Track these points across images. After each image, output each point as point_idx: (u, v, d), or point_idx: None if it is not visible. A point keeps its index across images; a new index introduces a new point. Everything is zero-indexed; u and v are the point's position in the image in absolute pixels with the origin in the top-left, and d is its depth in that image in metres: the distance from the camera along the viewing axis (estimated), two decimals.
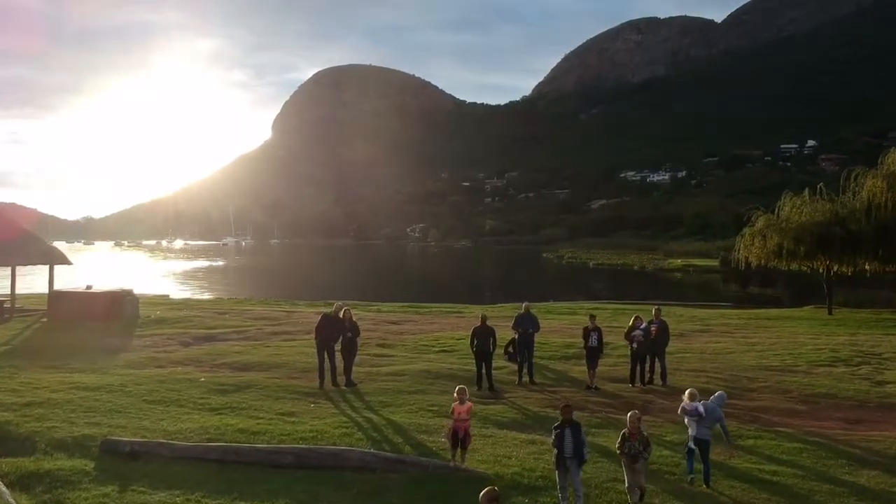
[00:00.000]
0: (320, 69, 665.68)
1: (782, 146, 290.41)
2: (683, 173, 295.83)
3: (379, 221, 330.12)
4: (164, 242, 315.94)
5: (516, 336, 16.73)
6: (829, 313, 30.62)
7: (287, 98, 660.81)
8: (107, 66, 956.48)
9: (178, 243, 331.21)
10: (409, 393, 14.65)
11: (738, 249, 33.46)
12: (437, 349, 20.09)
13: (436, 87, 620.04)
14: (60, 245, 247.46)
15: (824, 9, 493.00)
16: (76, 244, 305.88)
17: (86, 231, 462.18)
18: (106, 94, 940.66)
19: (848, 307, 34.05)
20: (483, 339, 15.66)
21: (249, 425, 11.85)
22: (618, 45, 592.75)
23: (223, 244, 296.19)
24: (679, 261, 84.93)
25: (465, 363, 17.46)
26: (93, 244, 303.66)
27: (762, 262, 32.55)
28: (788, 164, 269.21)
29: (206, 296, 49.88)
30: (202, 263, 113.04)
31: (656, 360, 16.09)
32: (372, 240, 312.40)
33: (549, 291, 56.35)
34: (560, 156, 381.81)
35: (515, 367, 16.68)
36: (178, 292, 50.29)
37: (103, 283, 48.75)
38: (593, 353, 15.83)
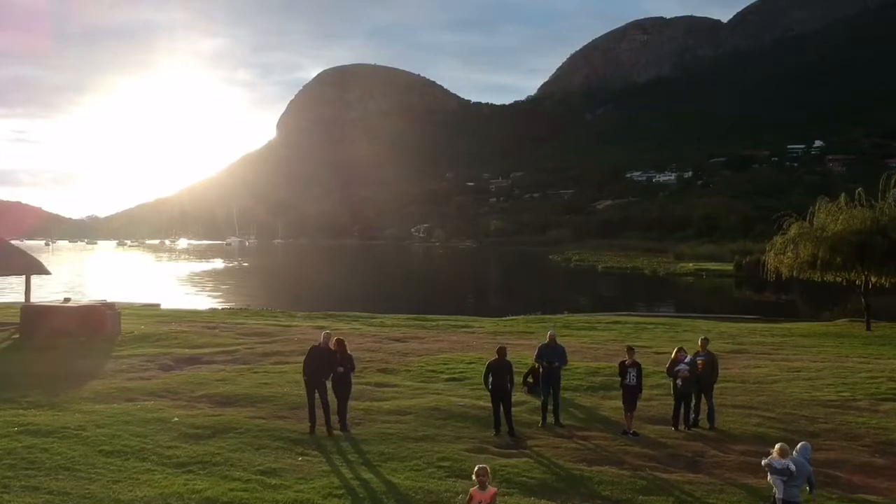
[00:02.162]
0: (325, 69, 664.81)
1: (789, 146, 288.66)
2: (690, 174, 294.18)
3: (383, 221, 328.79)
4: (167, 242, 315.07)
5: (540, 369, 14.45)
6: (868, 329, 28.38)
7: (292, 98, 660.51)
8: (112, 66, 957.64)
9: (182, 243, 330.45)
10: (415, 440, 12.42)
11: (768, 259, 31.12)
12: (446, 376, 17.89)
13: (441, 87, 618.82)
14: (63, 244, 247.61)
15: (831, 9, 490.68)
16: (79, 243, 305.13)
17: (90, 230, 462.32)
18: (111, 93, 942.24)
19: (880, 320, 31.81)
20: (500, 375, 13.30)
21: (220, 492, 9.64)
22: (623, 45, 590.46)
23: (227, 244, 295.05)
24: (691, 264, 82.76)
25: (478, 396, 15.30)
26: (96, 243, 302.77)
27: (794, 272, 30.22)
28: (795, 164, 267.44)
29: (202, 302, 47.83)
30: (203, 266, 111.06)
31: (702, 398, 13.80)
32: (376, 240, 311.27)
33: (560, 298, 54.19)
34: (565, 156, 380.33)
35: (537, 402, 14.51)
36: (173, 299, 48.28)
37: (91, 291, 46.73)
38: (631, 393, 13.37)
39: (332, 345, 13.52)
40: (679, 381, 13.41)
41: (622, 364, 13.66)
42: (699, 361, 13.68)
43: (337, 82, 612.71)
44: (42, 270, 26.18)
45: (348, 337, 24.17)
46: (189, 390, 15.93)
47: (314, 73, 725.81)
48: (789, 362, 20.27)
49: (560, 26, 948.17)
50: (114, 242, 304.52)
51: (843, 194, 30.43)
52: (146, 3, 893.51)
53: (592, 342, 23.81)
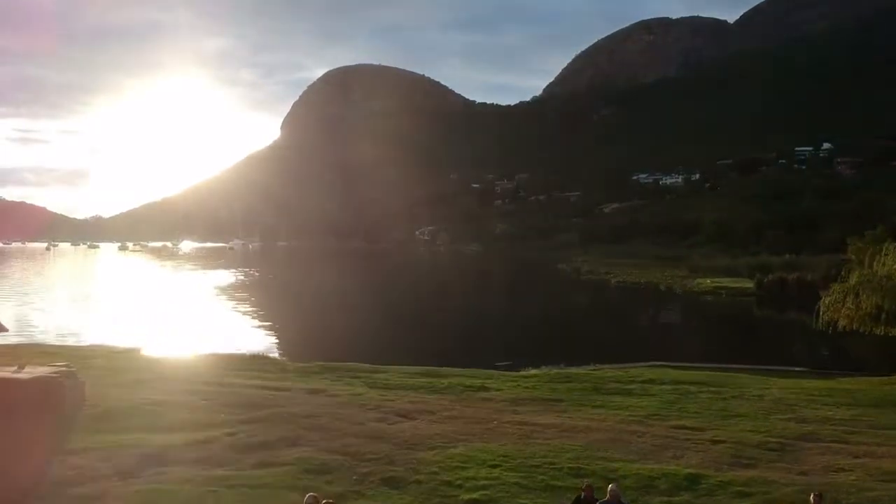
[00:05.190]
0: (329, 69, 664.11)
1: (797, 148, 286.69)
2: (697, 176, 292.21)
3: (388, 223, 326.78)
4: (169, 245, 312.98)
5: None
6: None
7: (296, 98, 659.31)
8: (117, 66, 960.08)
9: (185, 245, 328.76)
10: None
11: (822, 308, 27.68)
12: (465, 495, 14.38)
13: (446, 87, 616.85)
14: (65, 247, 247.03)
15: (838, 9, 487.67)
16: (81, 246, 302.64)
17: (95, 230, 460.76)
18: (116, 92, 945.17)
19: None
20: None
21: None
22: (629, 46, 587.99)
23: (230, 247, 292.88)
24: (708, 280, 79.45)
25: None
26: (98, 247, 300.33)
27: (854, 325, 26.78)
28: (803, 166, 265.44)
29: (194, 334, 44.71)
30: (206, 277, 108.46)
31: None
32: (381, 243, 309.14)
33: (577, 327, 50.99)
34: (571, 157, 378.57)
35: None
36: (164, 327, 45.27)
37: (77, 317, 43.49)
38: None
39: None
40: None
41: None
42: None
43: (341, 82, 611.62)
44: None
45: (348, 407, 20.85)
46: None
47: (318, 73, 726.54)
48: (877, 459, 16.86)
49: (565, 26, 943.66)
50: (116, 245, 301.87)
51: None
52: (151, 4, 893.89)
53: (632, 418, 20.41)
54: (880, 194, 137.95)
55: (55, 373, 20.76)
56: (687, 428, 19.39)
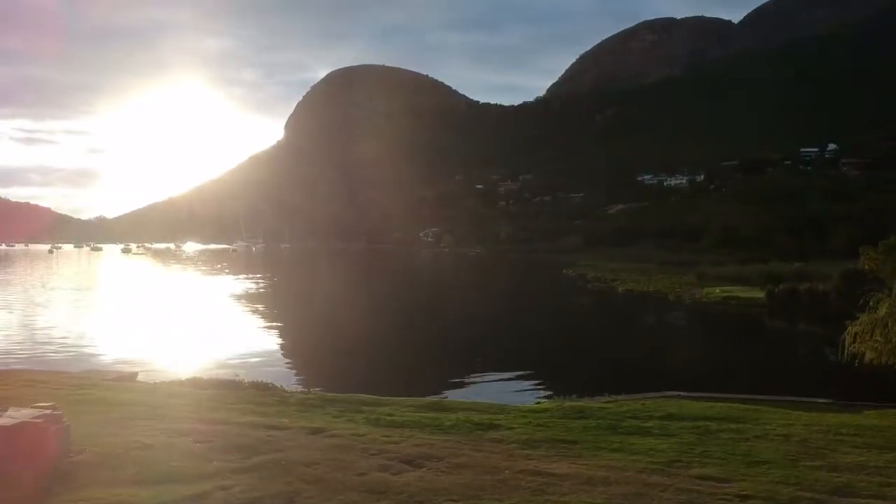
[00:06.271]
0: (332, 69, 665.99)
1: (802, 149, 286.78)
2: (702, 177, 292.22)
3: (392, 224, 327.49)
4: (172, 246, 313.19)
5: None
6: None
7: (299, 98, 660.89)
8: (120, 66, 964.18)
9: (189, 246, 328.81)
10: None
11: (847, 340, 26.42)
12: None
13: (449, 88, 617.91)
14: (68, 249, 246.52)
15: (843, 10, 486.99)
16: (84, 248, 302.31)
17: (99, 230, 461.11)
18: (120, 93, 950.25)
19: None
20: None
21: None
22: (633, 46, 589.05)
23: (233, 249, 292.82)
24: (717, 290, 78.41)
25: None
26: (101, 249, 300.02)
27: (884, 359, 25.51)
28: (809, 167, 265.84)
29: (192, 344, 43.59)
30: (213, 284, 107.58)
31: None
32: (385, 244, 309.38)
33: (589, 346, 49.94)
34: (575, 157, 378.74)
35: None
36: (160, 345, 44.17)
37: (64, 352, 42.33)
38: None
39: None
40: None
41: None
42: None
43: (344, 83, 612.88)
44: None
45: (350, 451, 19.59)
46: None
47: (320, 74, 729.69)
48: None
49: (569, 26, 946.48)
50: (119, 246, 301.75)
51: None
52: (152, 3, 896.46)
53: (653, 465, 19.09)
54: (886, 196, 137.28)
55: (38, 416, 19.48)
56: (711, 479, 18.09)
